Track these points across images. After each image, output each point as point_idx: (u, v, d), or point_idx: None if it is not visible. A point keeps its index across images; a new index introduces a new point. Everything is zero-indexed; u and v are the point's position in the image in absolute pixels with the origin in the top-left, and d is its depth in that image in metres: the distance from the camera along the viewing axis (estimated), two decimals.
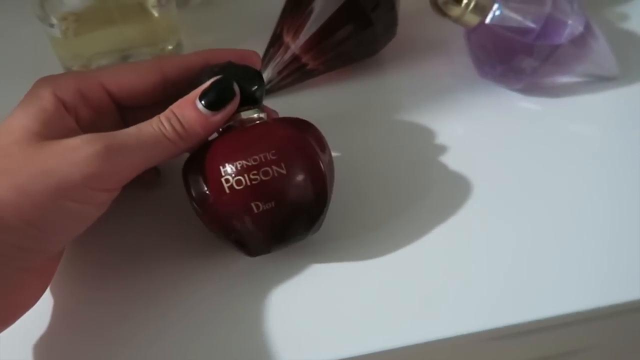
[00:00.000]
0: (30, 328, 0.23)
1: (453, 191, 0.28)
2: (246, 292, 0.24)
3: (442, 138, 0.31)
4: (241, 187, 0.22)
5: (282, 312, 0.24)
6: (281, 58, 0.32)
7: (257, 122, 0.24)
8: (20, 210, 0.19)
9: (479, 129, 0.31)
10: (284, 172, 0.22)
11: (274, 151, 0.22)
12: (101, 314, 0.24)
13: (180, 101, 0.22)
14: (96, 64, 0.33)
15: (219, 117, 0.22)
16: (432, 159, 0.30)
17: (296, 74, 0.32)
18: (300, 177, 0.22)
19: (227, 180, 0.22)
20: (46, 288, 0.22)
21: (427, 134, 0.31)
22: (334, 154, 0.26)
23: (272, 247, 0.23)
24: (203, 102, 0.22)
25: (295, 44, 0.32)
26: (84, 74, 0.23)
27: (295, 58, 0.32)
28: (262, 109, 0.24)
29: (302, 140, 0.23)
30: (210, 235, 0.24)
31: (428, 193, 0.28)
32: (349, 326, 0.23)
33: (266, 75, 0.32)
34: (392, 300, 0.24)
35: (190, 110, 0.22)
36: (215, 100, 0.22)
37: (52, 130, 0.21)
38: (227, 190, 0.22)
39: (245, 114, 0.24)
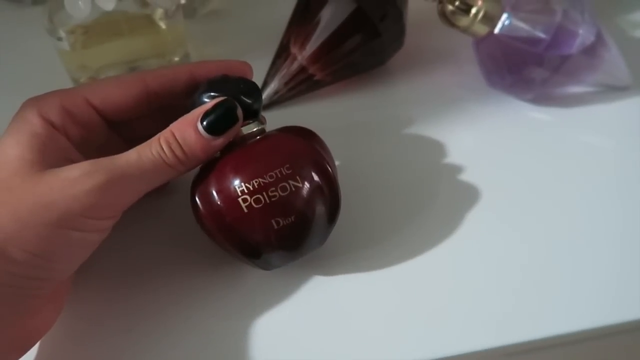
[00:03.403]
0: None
1: (462, 203, 0.28)
2: (254, 306, 0.24)
3: (451, 149, 0.30)
4: (260, 205, 0.22)
5: (289, 326, 0.23)
6: (288, 69, 0.32)
7: (258, 136, 0.23)
8: (25, 242, 0.19)
9: (489, 140, 0.31)
10: (300, 185, 0.22)
11: (288, 165, 0.22)
12: (106, 327, 0.23)
13: (180, 122, 0.22)
14: (104, 75, 0.33)
15: (221, 141, 0.22)
16: (441, 170, 0.29)
17: (303, 85, 0.32)
18: (315, 188, 0.22)
19: (244, 200, 0.21)
20: (60, 312, 0.22)
21: (435, 145, 0.31)
22: (341, 164, 0.25)
23: (290, 260, 0.23)
24: (204, 124, 0.21)
25: (302, 55, 0.31)
26: (67, 91, 0.23)
27: (302, 69, 0.32)
28: (261, 120, 0.24)
29: (311, 150, 0.23)
30: (216, 247, 0.24)
31: (437, 205, 0.28)
32: (357, 341, 0.23)
33: (273, 86, 0.32)
34: (400, 315, 0.24)
35: (191, 133, 0.21)
36: (217, 124, 0.22)
37: (48, 155, 0.21)
38: (245, 210, 0.22)
39: (246, 129, 0.23)
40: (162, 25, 0.32)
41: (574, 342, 0.24)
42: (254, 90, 0.24)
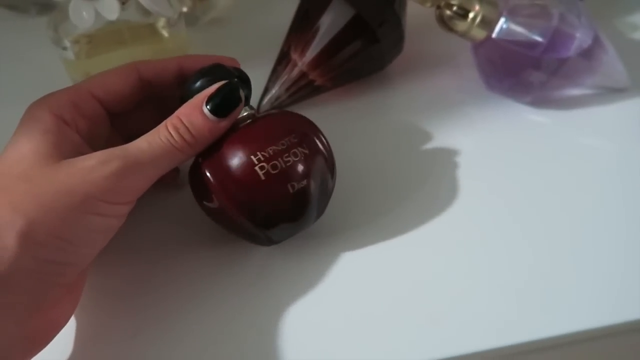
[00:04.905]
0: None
1: (463, 206, 0.28)
2: (257, 292, 0.25)
3: (450, 152, 0.30)
4: (277, 171, 0.23)
5: (291, 313, 0.24)
6: (289, 75, 0.32)
7: (249, 120, 0.24)
8: (50, 226, 0.20)
9: (488, 143, 0.31)
10: (307, 151, 0.24)
11: (293, 135, 0.24)
12: (112, 329, 0.24)
13: (186, 107, 0.23)
14: None
15: (227, 122, 0.23)
16: (441, 173, 0.30)
17: (304, 91, 0.33)
18: (319, 155, 0.24)
19: (262, 168, 0.23)
20: (76, 305, 0.23)
21: (435, 148, 0.31)
22: (341, 168, 0.26)
23: (295, 231, 0.25)
24: (209, 107, 0.22)
25: (302, 61, 0.32)
26: (74, 87, 0.24)
27: (302, 75, 0.32)
28: (251, 107, 0.25)
29: (309, 123, 0.25)
30: (221, 234, 0.25)
31: (437, 208, 0.28)
32: (354, 333, 0.23)
33: (274, 92, 0.33)
34: (398, 313, 0.24)
35: (198, 116, 0.22)
36: (222, 106, 0.23)
37: (61, 149, 0.21)
38: (263, 177, 0.23)
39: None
40: (165, 33, 0.33)
41: (577, 342, 0.24)
42: (245, 78, 0.25)
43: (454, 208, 0.28)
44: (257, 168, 0.23)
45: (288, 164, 0.23)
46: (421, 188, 0.29)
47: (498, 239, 0.26)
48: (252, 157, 0.23)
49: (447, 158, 0.30)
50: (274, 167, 0.23)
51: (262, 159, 0.23)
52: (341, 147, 0.30)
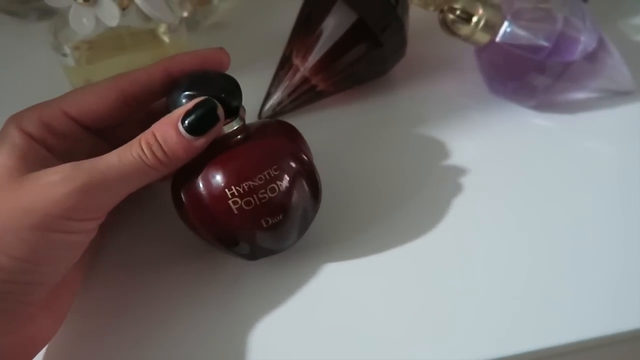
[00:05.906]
0: None
1: (466, 210, 0.28)
2: (246, 301, 0.25)
3: (454, 157, 0.30)
4: (250, 207, 0.22)
5: (282, 320, 0.24)
6: (291, 80, 0.32)
7: (239, 134, 0.23)
8: (8, 247, 0.19)
9: (492, 147, 0.31)
10: (287, 184, 0.23)
11: (275, 166, 0.22)
12: (108, 340, 0.24)
13: (161, 123, 0.21)
14: None
15: (203, 141, 0.22)
16: (444, 177, 0.29)
17: (306, 96, 0.32)
18: (300, 186, 0.23)
19: (235, 202, 0.22)
20: (60, 323, 0.22)
21: (438, 153, 0.31)
22: (343, 173, 0.26)
23: (275, 252, 0.25)
24: (185, 125, 0.21)
25: (304, 66, 0.32)
26: (45, 104, 0.23)
27: (305, 80, 0.32)
28: (241, 115, 0.24)
29: (295, 148, 0.24)
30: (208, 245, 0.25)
31: (441, 214, 0.28)
32: (341, 336, 0.23)
33: (276, 97, 0.32)
34: (404, 323, 0.24)
35: (172, 134, 0.21)
36: (198, 124, 0.21)
37: (28, 163, 0.21)
38: (236, 211, 0.22)
39: (228, 127, 0.23)
40: (166, 39, 0.33)
41: (577, 351, 0.24)
42: (234, 88, 0.23)
43: (457, 212, 0.28)
44: (230, 202, 0.22)
45: (263, 201, 0.22)
46: (423, 193, 0.29)
47: (501, 243, 0.26)
48: (226, 190, 0.22)
49: (450, 162, 0.30)
50: (248, 203, 0.22)
51: (237, 193, 0.22)
52: (342, 152, 0.30)
